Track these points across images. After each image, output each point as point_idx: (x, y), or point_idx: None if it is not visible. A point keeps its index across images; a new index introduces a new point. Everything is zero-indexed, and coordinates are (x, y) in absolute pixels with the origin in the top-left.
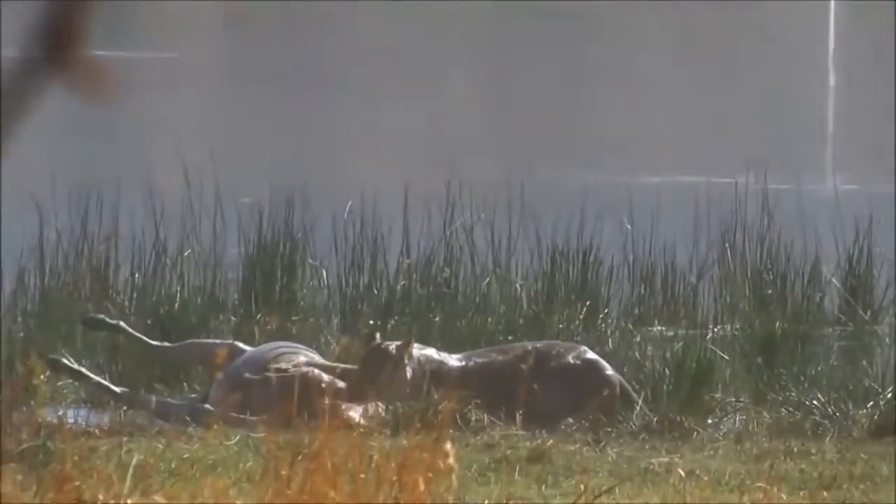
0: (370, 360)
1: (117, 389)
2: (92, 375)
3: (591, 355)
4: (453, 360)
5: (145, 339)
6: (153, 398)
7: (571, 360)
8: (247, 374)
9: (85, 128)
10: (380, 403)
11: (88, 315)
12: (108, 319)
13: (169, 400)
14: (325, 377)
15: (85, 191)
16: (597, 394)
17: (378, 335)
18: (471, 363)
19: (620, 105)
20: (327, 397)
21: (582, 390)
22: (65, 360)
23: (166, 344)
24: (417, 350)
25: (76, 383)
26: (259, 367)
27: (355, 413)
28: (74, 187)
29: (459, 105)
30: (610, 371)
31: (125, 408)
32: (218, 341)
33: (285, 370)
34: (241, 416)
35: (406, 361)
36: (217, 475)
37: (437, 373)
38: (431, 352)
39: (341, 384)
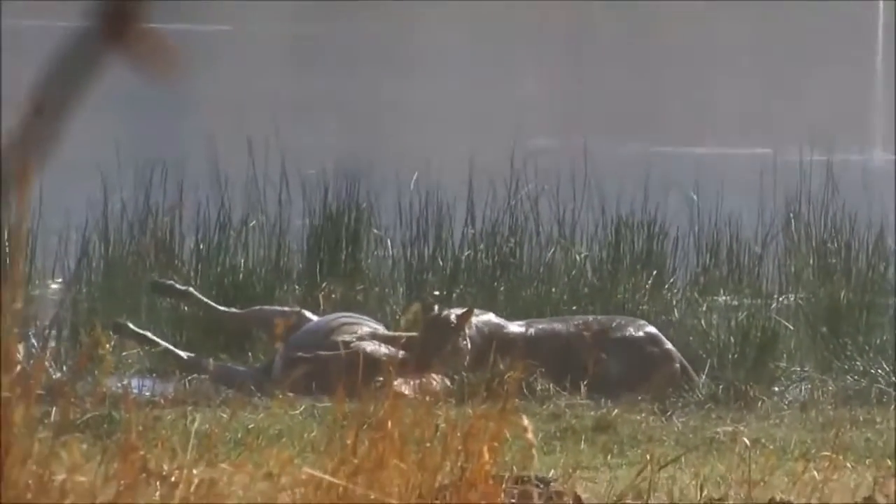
0: (430, 330)
1: (182, 354)
2: (157, 339)
3: (651, 329)
4: (514, 327)
5: (213, 304)
6: (217, 365)
7: (633, 333)
8: (310, 345)
9: (148, 103)
10: (442, 373)
11: (157, 280)
12: (177, 285)
13: (233, 367)
14: (387, 349)
15: (149, 163)
16: (657, 368)
17: (437, 305)
18: (532, 330)
19: (686, 77)
20: (390, 369)
21: (643, 364)
22: (130, 325)
23: (234, 310)
24: (476, 317)
25: (140, 352)
26: (322, 338)
27: (418, 384)
28: (139, 160)
29: (525, 75)
30: (669, 346)
31: (189, 374)
32: (286, 309)
33: (348, 342)
34: (305, 386)
35: (466, 330)
36: (282, 445)
37: (498, 338)
38: (491, 316)
39: (403, 355)
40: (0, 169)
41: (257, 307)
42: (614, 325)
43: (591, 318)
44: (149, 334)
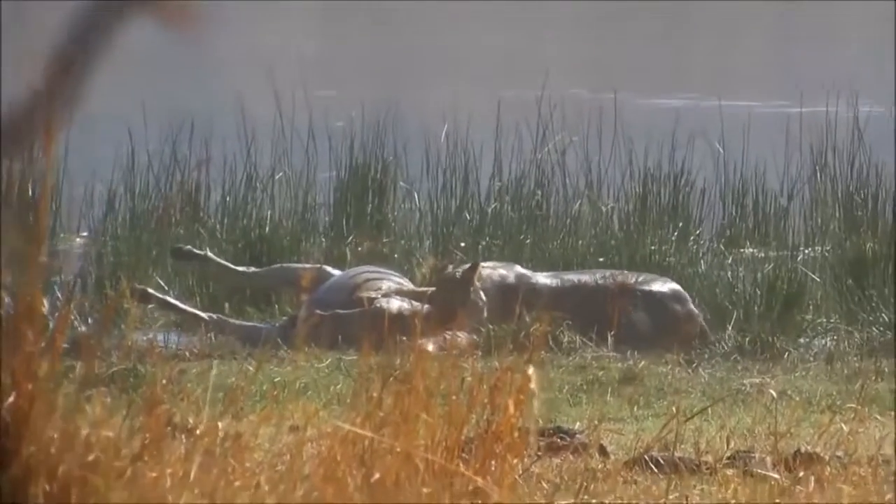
0: (440, 288)
1: (205, 315)
2: (179, 304)
3: (676, 287)
4: (541, 277)
5: (231, 266)
6: (239, 324)
7: (659, 289)
8: (333, 301)
9: (175, 59)
10: (463, 329)
11: (175, 246)
12: (194, 250)
13: (256, 325)
14: (410, 305)
15: (176, 117)
16: (679, 326)
17: (450, 264)
18: (558, 281)
19: (713, 29)
20: (415, 323)
21: (665, 320)
22: (151, 291)
23: (252, 269)
24: (499, 270)
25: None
26: (346, 293)
27: (442, 339)
28: (166, 114)
29: (552, 28)
30: (692, 307)
31: (213, 334)
32: (306, 265)
33: (372, 298)
34: (330, 340)
35: (477, 284)
36: (308, 398)
37: (525, 289)
38: (517, 268)
39: (426, 310)
40: (22, 126)
41: (277, 265)
42: (640, 279)
43: (617, 272)
44: (169, 298)
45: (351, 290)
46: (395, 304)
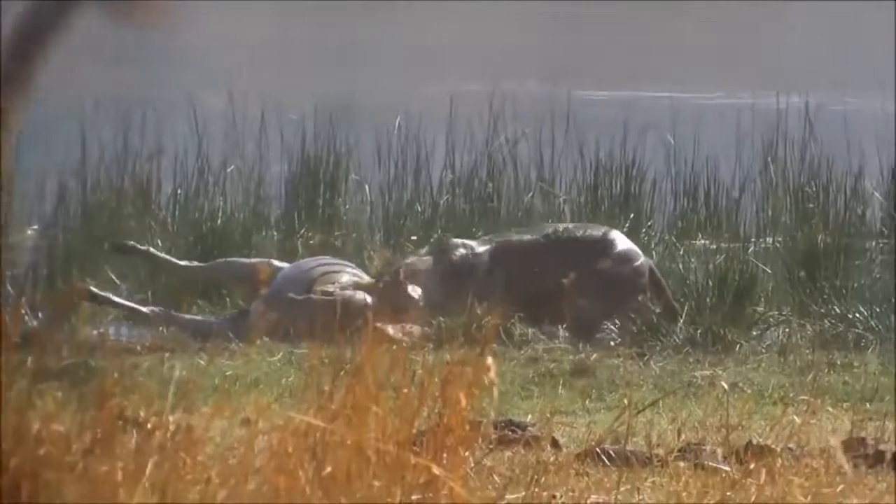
0: (384, 287)
1: (147, 311)
2: (123, 301)
3: (616, 239)
4: (476, 244)
5: (175, 260)
6: (189, 318)
7: (600, 245)
8: (290, 294)
9: (128, 49)
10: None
11: (118, 241)
12: (137, 245)
13: (204, 318)
14: (363, 297)
15: (128, 109)
16: (625, 276)
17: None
18: (494, 245)
19: (664, 22)
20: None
21: (610, 274)
22: (95, 290)
23: (195, 264)
24: (418, 258)
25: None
26: (303, 285)
27: (394, 329)
28: (118, 105)
29: (504, 19)
30: (641, 260)
31: (163, 328)
32: (253, 260)
33: (329, 292)
34: (283, 332)
35: (405, 285)
36: (259, 391)
37: (467, 260)
38: (457, 241)
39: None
40: None
41: (222, 260)
42: (581, 234)
43: (560, 227)
44: (111, 296)
45: (309, 283)
46: (353, 296)
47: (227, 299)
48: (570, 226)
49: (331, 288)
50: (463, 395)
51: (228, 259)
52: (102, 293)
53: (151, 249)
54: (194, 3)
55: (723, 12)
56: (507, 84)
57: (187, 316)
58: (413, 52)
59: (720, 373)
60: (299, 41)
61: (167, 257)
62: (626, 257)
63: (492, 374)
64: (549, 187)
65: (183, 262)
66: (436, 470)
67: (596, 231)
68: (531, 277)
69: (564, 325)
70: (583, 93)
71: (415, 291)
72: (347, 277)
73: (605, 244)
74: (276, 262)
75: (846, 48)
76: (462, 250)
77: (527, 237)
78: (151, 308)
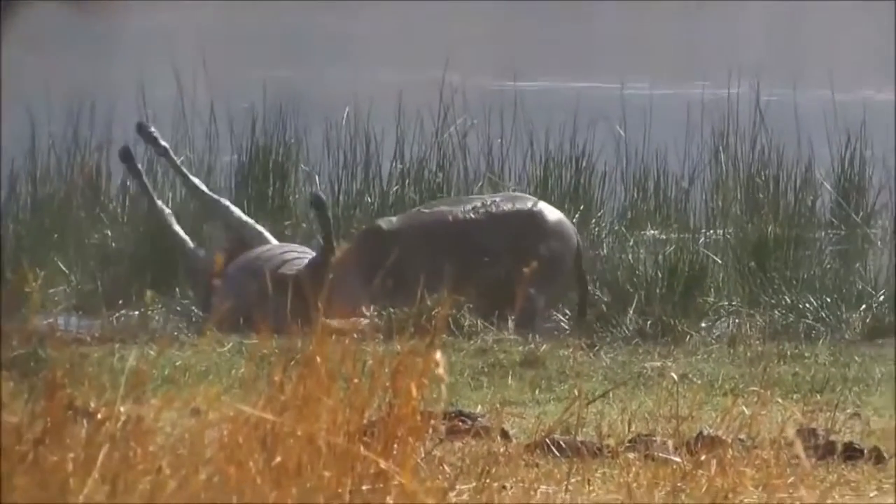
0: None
1: (162, 206)
2: (148, 184)
3: (544, 209)
4: (395, 221)
5: (186, 171)
6: (183, 236)
7: (524, 217)
8: (251, 274)
9: (78, 38)
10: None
11: (145, 124)
12: (160, 139)
13: (196, 250)
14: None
15: (78, 99)
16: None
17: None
18: (418, 219)
19: (613, 14)
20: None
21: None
22: (130, 150)
23: (204, 189)
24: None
25: (67, 289)
26: (260, 271)
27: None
28: (68, 96)
29: (454, 9)
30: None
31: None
32: (250, 222)
33: (283, 274)
34: (233, 321)
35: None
36: (209, 382)
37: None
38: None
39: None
40: None
41: (225, 203)
42: (511, 206)
43: (488, 199)
44: (142, 171)
45: (273, 265)
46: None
47: (177, 290)
48: (498, 198)
49: (286, 270)
50: (413, 386)
51: (231, 207)
52: (139, 166)
53: (168, 148)
54: None
55: (673, 4)
56: (457, 75)
57: (183, 235)
58: (362, 42)
59: (670, 364)
60: (247, 31)
61: (181, 167)
62: (557, 230)
63: (440, 369)
64: (499, 178)
65: (192, 177)
66: (383, 464)
67: (524, 203)
68: (464, 257)
69: (498, 310)
70: (532, 84)
71: (353, 282)
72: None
73: (535, 217)
74: (267, 235)
75: (796, 40)
76: (388, 231)
77: (456, 211)
78: (163, 206)
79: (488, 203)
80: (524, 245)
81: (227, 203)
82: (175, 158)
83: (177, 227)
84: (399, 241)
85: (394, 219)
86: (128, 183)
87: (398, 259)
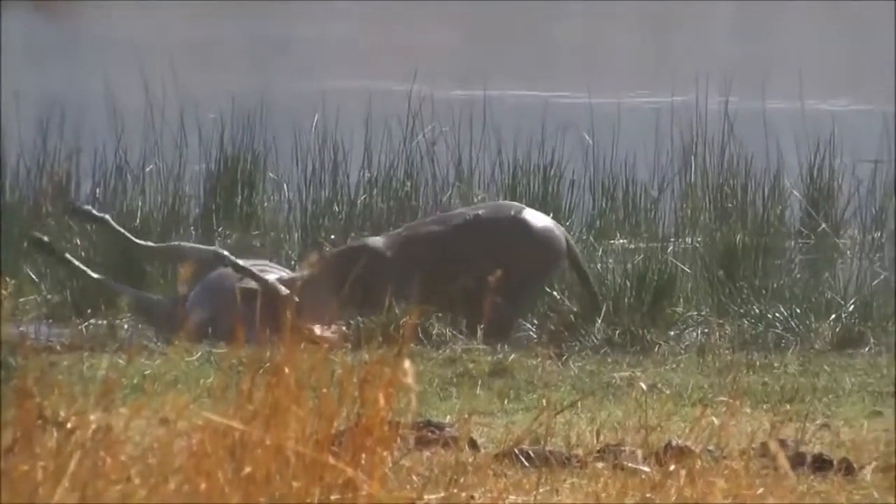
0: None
1: (95, 275)
2: (74, 260)
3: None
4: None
5: (129, 235)
6: (133, 290)
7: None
8: (220, 289)
9: (46, 46)
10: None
11: (76, 204)
12: (94, 211)
13: (148, 294)
14: (286, 291)
15: (46, 107)
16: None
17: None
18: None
19: (582, 22)
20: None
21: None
22: (45, 239)
23: (150, 243)
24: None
25: (38, 297)
26: (230, 285)
27: (318, 328)
28: (36, 104)
29: (422, 18)
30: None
31: (103, 295)
32: (203, 247)
33: (251, 288)
34: (202, 331)
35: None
36: (178, 391)
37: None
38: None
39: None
40: None
41: (175, 243)
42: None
43: (470, 214)
44: (67, 255)
45: (239, 280)
46: (274, 290)
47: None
48: (482, 212)
49: (254, 284)
50: (381, 395)
51: (181, 243)
52: (54, 246)
53: (108, 217)
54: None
55: (641, 12)
56: (425, 84)
57: (134, 289)
58: (330, 50)
59: (639, 373)
60: (215, 39)
61: (122, 230)
62: (542, 237)
63: (409, 378)
64: (467, 187)
65: (138, 241)
66: (352, 474)
67: (507, 212)
68: (445, 273)
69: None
70: (499, 93)
71: (329, 289)
72: (274, 276)
73: (518, 225)
74: (224, 252)
75: (765, 48)
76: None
77: (439, 228)
78: (99, 276)
79: (470, 216)
80: (505, 255)
81: (177, 242)
82: (115, 226)
83: (119, 285)
84: (383, 260)
85: (379, 238)
86: (97, 191)
87: (380, 277)
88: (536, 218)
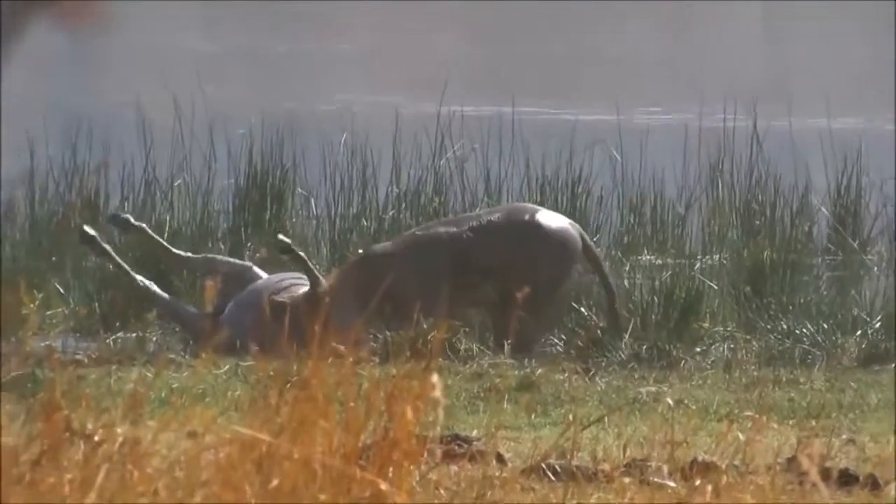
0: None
1: (137, 278)
2: (118, 259)
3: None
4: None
5: (165, 244)
6: (170, 298)
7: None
8: (254, 303)
9: (75, 60)
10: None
11: (115, 213)
12: (132, 220)
13: (184, 305)
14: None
15: (76, 121)
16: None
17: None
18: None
19: (611, 40)
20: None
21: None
22: (93, 233)
23: (187, 254)
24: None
25: (65, 310)
26: (265, 296)
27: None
28: (65, 118)
29: (452, 35)
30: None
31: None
32: (236, 262)
33: (283, 301)
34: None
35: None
36: (206, 404)
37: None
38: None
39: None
40: None
41: (210, 255)
42: (499, 213)
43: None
44: (111, 251)
45: (271, 293)
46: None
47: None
48: (495, 212)
49: (285, 297)
50: (409, 409)
51: (216, 256)
52: (106, 245)
53: (146, 226)
54: (138, 12)
55: (670, 30)
56: (454, 101)
57: (169, 296)
58: (359, 66)
59: (665, 389)
60: (244, 54)
61: (160, 239)
62: (557, 238)
63: (437, 392)
64: (496, 202)
65: (174, 249)
66: (380, 487)
67: (521, 214)
68: (458, 277)
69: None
70: (529, 110)
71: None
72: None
73: (532, 227)
74: (257, 270)
75: (793, 66)
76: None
77: (451, 230)
78: (142, 279)
79: (484, 218)
80: (520, 259)
81: (210, 255)
82: (153, 234)
83: (159, 291)
84: (393, 265)
85: (388, 243)
86: (126, 205)
87: (393, 282)
88: (551, 218)
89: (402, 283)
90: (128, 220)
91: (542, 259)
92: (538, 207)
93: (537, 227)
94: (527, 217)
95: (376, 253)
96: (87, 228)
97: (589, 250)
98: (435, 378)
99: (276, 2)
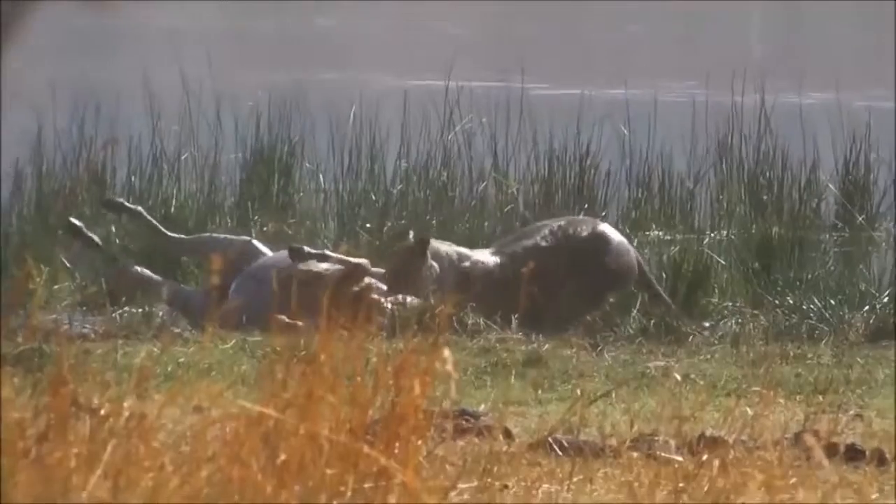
0: (402, 257)
1: (127, 264)
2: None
3: (607, 231)
4: (481, 255)
5: (161, 228)
6: (162, 279)
7: (592, 241)
8: (266, 277)
9: (84, 36)
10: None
11: (110, 197)
12: (126, 203)
13: (186, 287)
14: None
15: (83, 96)
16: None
17: (411, 232)
18: (501, 257)
19: (619, 15)
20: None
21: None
22: (80, 225)
23: (182, 236)
24: (448, 247)
25: (72, 285)
26: (282, 272)
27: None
28: (73, 93)
29: (461, 9)
30: (629, 254)
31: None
32: (234, 238)
33: (312, 270)
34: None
35: (428, 258)
36: (212, 379)
37: (473, 269)
38: (464, 250)
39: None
40: None
41: (206, 234)
42: (573, 231)
43: (554, 225)
44: (95, 238)
45: (288, 270)
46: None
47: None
48: (563, 224)
49: (315, 268)
50: (417, 384)
51: (212, 234)
52: (89, 233)
53: (141, 209)
54: None
55: (679, 7)
56: (462, 76)
57: (162, 278)
58: (368, 42)
59: (673, 364)
60: (252, 31)
61: (155, 223)
62: (620, 250)
63: (449, 365)
64: (503, 177)
65: (170, 233)
66: (386, 463)
67: (587, 227)
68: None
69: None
70: (537, 86)
71: (432, 269)
72: (327, 264)
73: (599, 241)
74: (257, 243)
75: (801, 42)
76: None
77: (528, 243)
78: (131, 263)
79: (555, 229)
80: (591, 268)
81: (208, 235)
82: (148, 217)
83: (155, 276)
84: (495, 281)
85: (484, 258)
86: (133, 179)
87: (486, 293)
88: (614, 233)
89: (494, 297)
90: (122, 204)
91: (611, 270)
92: (597, 220)
93: (605, 239)
94: (594, 229)
95: (476, 270)
96: (73, 220)
97: (641, 266)
98: (447, 353)
99: None
